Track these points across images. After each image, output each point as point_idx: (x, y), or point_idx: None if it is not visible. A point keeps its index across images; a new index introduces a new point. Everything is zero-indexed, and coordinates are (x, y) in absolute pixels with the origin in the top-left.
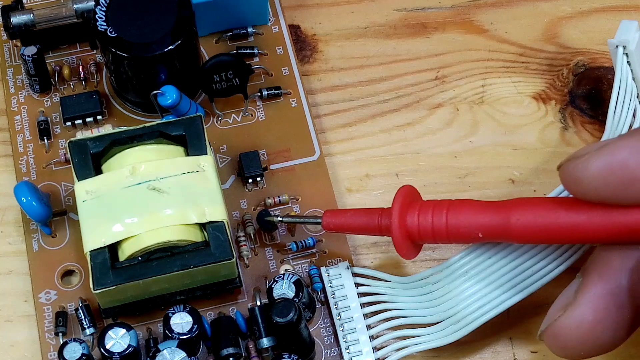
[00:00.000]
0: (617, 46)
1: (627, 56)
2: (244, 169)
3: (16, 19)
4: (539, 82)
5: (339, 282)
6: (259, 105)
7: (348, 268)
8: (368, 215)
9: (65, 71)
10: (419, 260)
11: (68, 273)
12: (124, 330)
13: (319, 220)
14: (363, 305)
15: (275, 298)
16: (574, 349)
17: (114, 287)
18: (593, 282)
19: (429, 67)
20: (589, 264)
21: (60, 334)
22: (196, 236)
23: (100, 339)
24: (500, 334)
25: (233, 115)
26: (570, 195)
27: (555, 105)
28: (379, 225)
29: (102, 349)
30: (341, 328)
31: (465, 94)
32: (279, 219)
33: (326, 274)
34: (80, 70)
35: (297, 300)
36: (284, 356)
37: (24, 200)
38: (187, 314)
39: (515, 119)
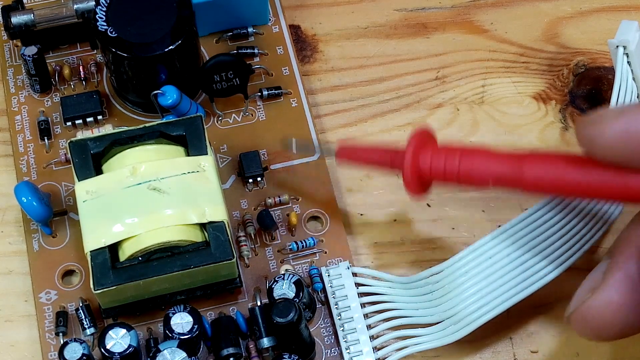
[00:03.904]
0: (617, 46)
1: (627, 56)
2: (244, 168)
3: (17, 19)
4: (539, 82)
5: (340, 282)
6: (259, 105)
7: (348, 268)
8: (383, 149)
9: (66, 71)
10: (419, 261)
11: (68, 273)
12: (124, 331)
13: (333, 147)
14: (363, 305)
15: (276, 298)
16: (602, 331)
17: (114, 287)
18: (620, 264)
19: (429, 67)
20: (615, 246)
21: (60, 334)
22: (196, 236)
23: (101, 339)
24: (500, 334)
25: (233, 115)
26: None
27: (556, 105)
28: (392, 158)
29: (102, 349)
30: (341, 328)
31: (466, 94)
32: (294, 143)
33: (326, 274)
34: (81, 70)
35: (298, 301)
36: (284, 356)
37: (25, 200)
38: (187, 314)
39: (515, 119)
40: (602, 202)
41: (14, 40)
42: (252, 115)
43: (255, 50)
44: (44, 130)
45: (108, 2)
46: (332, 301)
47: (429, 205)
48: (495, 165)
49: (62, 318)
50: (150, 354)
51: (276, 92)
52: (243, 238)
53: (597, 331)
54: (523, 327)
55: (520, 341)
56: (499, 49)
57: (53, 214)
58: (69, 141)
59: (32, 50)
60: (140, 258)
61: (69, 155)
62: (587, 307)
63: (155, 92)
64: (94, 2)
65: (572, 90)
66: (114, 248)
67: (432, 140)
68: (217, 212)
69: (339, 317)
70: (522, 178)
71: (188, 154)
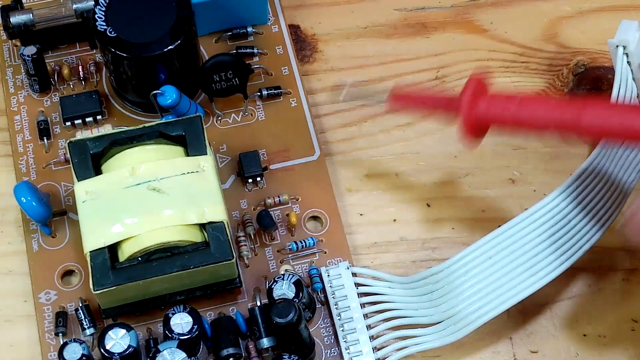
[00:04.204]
0: (617, 46)
1: (627, 56)
2: (243, 168)
3: (16, 18)
4: (538, 82)
5: (339, 282)
6: (258, 105)
7: (348, 268)
8: (438, 94)
9: (65, 71)
10: (419, 261)
11: (68, 273)
12: (124, 331)
13: (385, 97)
14: (363, 305)
15: (276, 298)
16: None
17: (114, 287)
18: None
19: (429, 67)
20: None
21: (60, 335)
22: (196, 236)
23: (101, 340)
24: (500, 334)
25: (233, 115)
26: None
27: None
28: (447, 102)
29: (102, 350)
30: (341, 328)
31: None
32: (348, 84)
33: (326, 274)
34: (80, 70)
35: (297, 301)
36: (284, 356)
37: (24, 201)
38: (187, 315)
39: None
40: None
41: (13, 40)
42: (252, 115)
43: (255, 50)
44: (44, 130)
45: (107, 1)
46: (331, 301)
47: (428, 205)
48: (556, 111)
49: (61, 318)
50: (150, 355)
51: (276, 91)
52: (243, 238)
53: None
54: (523, 327)
55: (520, 341)
56: (498, 49)
57: (52, 214)
58: (68, 141)
59: (31, 50)
60: (139, 258)
61: (68, 156)
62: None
63: (155, 92)
64: (93, 2)
65: (572, 90)
66: (114, 248)
67: (487, 88)
68: (216, 212)
69: (339, 317)
70: (581, 126)
71: (187, 154)
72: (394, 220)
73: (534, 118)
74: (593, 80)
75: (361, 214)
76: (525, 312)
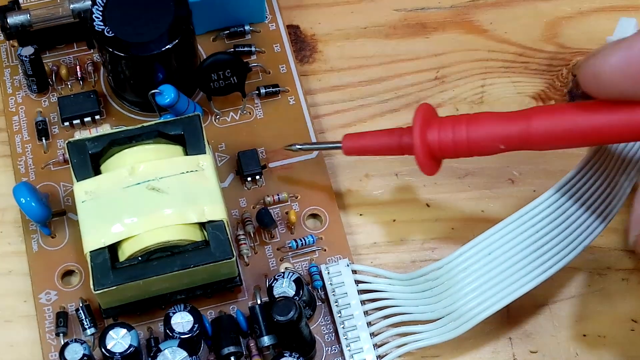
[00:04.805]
0: None
1: None
2: (242, 167)
3: (13, 19)
4: (538, 82)
5: (339, 280)
6: (257, 103)
7: (348, 265)
8: (388, 136)
9: (63, 71)
10: (419, 261)
11: (68, 273)
12: (125, 330)
13: (339, 145)
14: (363, 302)
15: (276, 296)
16: None
17: (114, 287)
18: None
19: (428, 67)
20: None
21: (61, 335)
22: (196, 235)
23: (101, 339)
24: (499, 334)
25: (231, 113)
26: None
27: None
28: (400, 145)
29: (103, 349)
30: (342, 325)
31: (465, 94)
32: (298, 147)
33: (326, 272)
34: (78, 70)
35: (298, 299)
36: (285, 354)
37: (23, 201)
38: (187, 314)
39: None
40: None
41: (11, 41)
42: (250, 113)
43: (252, 49)
44: (42, 130)
45: (105, 1)
46: (332, 299)
47: (428, 206)
48: (502, 126)
49: (62, 318)
50: (151, 354)
51: (274, 89)
52: (242, 237)
53: None
54: (523, 327)
55: (519, 341)
56: (498, 49)
57: (52, 214)
58: (67, 141)
59: (28, 50)
60: (140, 258)
61: (67, 156)
62: None
63: (153, 91)
64: (90, 2)
65: (572, 90)
66: (114, 248)
67: (435, 115)
68: (216, 211)
69: (339, 315)
70: (531, 134)
71: (186, 153)
72: (394, 220)
73: (485, 134)
74: None
75: (361, 214)
76: (525, 312)
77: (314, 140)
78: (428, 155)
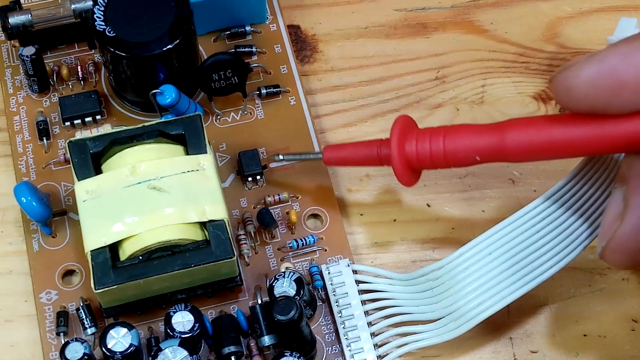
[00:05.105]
0: None
1: None
2: (243, 167)
3: (14, 19)
4: (539, 82)
5: (340, 280)
6: (257, 104)
7: (348, 265)
8: (367, 147)
9: (64, 71)
10: (419, 261)
11: (69, 273)
12: (125, 330)
13: (320, 155)
14: (364, 302)
15: (277, 296)
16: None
17: (115, 286)
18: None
19: (429, 67)
20: (625, 172)
21: (61, 334)
22: (197, 235)
23: (102, 339)
24: (500, 333)
25: (232, 113)
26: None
27: (556, 105)
28: (379, 155)
29: (103, 349)
30: (342, 325)
31: (466, 94)
32: (281, 157)
33: (327, 272)
34: (79, 70)
35: (298, 298)
36: (285, 354)
37: (24, 201)
38: (188, 313)
39: None
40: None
41: (12, 41)
42: (251, 113)
43: (253, 49)
44: (43, 130)
45: (106, 1)
46: (332, 299)
47: (428, 206)
48: (478, 139)
49: (62, 318)
50: (152, 353)
51: (275, 90)
52: (243, 236)
53: (635, 257)
54: (523, 327)
55: (520, 341)
56: (498, 49)
57: (53, 214)
58: (68, 141)
59: (30, 50)
60: (140, 257)
61: (68, 155)
62: (620, 235)
63: (154, 91)
64: (91, 2)
65: None
66: (115, 247)
67: (414, 127)
68: (217, 210)
69: (340, 315)
70: (506, 146)
71: (187, 153)
72: (394, 220)
73: (461, 146)
74: None
75: (361, 214)
76: (525, 312)
77: (314, 139)
78: (406, 166)
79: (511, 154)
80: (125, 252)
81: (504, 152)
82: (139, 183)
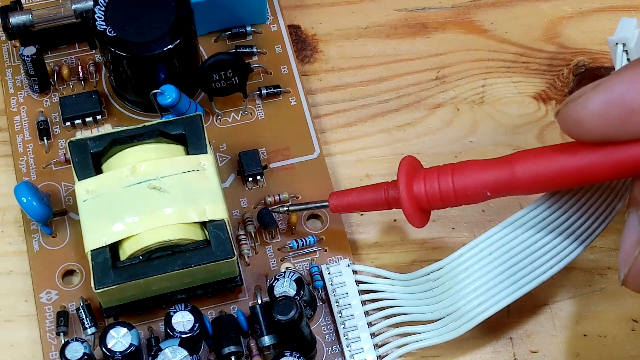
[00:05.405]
0: (616, 43)
1: (626, 53)
2: (243, 167)
3: (15, 19)
4: (539, 82)
5: (340, 280)
6: (258, 104)
7: (349, 266)
8: (374, 191)
9: (65, 71)
10: (419, 261)
11: (69, 273)
12: (125, 330)
13: (326, 204)
14: (364, 302)
15: (277, 296)
16: None
17: (115, 286)
18: None
19: (429, 67)
20: (637, 196)
21: (61, 334)
22: (197, 235)
23: (102, 339)
24: (500, 333)
25: (232, 114)
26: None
27: (556, 105)
28: (387, 199)
29: (103, 349)
30: (342, 325)
31: (466, 94)
32: (285, 209)
33: (327, 272)
34: (80, 70)
35: (299, 298)
36: (285, 354)
37: (24, 201)
38: (188, 313)
39: (515, 119)
40: (602, 198)
41: (13, 41)
42: (252, 114)
43: (254, 49)
44: (43, 130)
45: (107, 1)
46: (332, 299)
47: None
48: (487, 174)
49: (62, 318)
50: (152, 353)
51: (275, 90)
52: (243, 236)
53: None
54: (523, 327)
55: (520, 341)
56: (499, 49)
57: (53, 214)
58: (68, 141)
59: (30, 50)
60: (140, 257)
61: (68, 155)
62: None
63: (155, 91)
64: (92, 2)
65: (572, 90)
66: (115, 247)
67: (419, 167)
68: (217, 210)
69: (340, 315)
70: (516, 179)
71: (188, 153)
72: (394, 220)
73: (471, 183)
74: (593, 80)
75: (361, 214)
76: (525, 312)
77: (314, 139)
78: (416, 207)
79: (522, 187)
80: (125, 252)
81: (515, 185)
82: (139, 183)
